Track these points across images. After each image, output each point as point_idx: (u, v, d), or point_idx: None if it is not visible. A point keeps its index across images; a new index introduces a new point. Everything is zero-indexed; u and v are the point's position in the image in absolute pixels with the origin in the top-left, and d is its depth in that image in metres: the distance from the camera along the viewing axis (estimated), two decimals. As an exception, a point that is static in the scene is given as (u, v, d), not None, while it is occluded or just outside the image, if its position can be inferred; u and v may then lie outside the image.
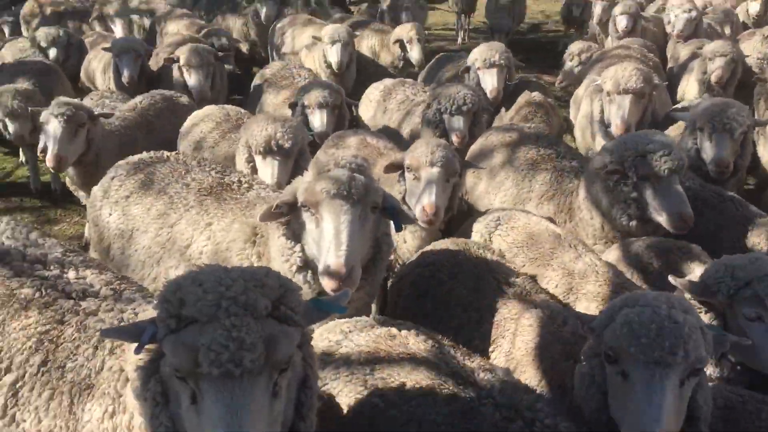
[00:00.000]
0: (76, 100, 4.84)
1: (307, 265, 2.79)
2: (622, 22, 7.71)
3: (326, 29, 6.80)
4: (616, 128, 4.84)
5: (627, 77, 4.83)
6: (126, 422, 2.00)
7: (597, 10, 8.63)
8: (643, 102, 4.90)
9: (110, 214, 3.47)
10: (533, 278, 3.18)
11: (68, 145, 4.47)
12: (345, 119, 5.35)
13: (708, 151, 4.32)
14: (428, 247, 3.48)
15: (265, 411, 1.72)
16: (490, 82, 5.74)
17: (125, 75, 6.21)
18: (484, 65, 5.75)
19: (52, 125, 4.45)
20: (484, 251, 3.30)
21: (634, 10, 7.79)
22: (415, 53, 7.49)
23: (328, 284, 2.61)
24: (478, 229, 3.66)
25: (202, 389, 1.70)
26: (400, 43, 7.58)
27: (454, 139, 4.72)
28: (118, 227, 3.42)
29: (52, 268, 2.42)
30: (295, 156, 4.07)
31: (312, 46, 7.19)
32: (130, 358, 1.93)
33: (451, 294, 3.12)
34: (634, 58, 6.17)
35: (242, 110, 5.19)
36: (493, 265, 3.16)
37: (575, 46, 7.47)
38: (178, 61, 6.03)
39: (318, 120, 5.06)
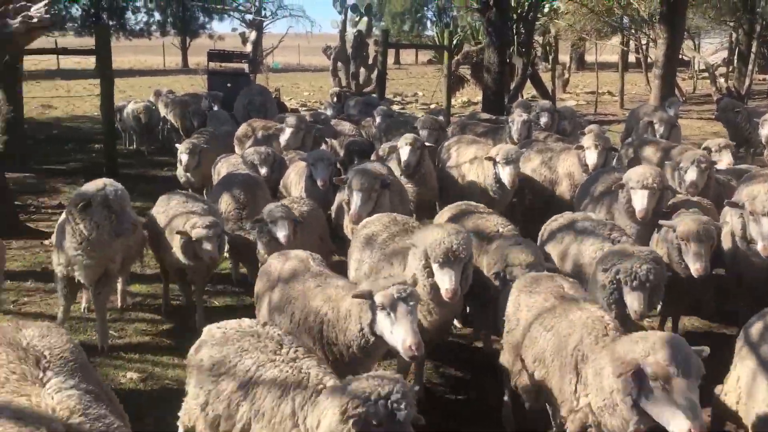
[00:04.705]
0: None
1: None
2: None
3: (502, 149, 7.51)
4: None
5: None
6: None
7: (764, 131, 8.64)
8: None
9: None
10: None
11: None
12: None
13: None
14: None
15: None
16: (639, 202, 5.93)
17: (320, 180, 7.28)
18: (638, 186, 5.95)
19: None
20: None
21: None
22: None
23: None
24: None
25: None
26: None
27: (633, 315, 4.47)
28: None
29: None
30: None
31: (478, 162, 8.00)
32: None
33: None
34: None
35: (407, 217, 5.86)
36: None
37: None
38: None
39: None
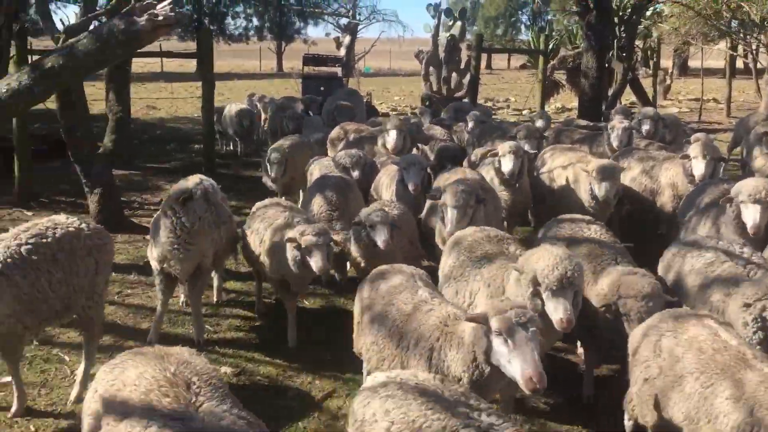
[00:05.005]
0: None
1: None
2: None
3: (598, 164, 7.20)
4: None
5: None
6: None
7: None
8: None
9: None
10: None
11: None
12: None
13: None
14: None
15: None
16: (751, 217, 5.60)
17: (411, 185, 7.25)
18: (749, 199, 5.63)
19: None
20: None
21: None
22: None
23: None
24: None
25: None
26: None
27: None
28: None
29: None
30: None
31: (572, 170, 7.76)
32: None
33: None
34: None
35: (501, 232, 5.55)
36: None
37: None
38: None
39: None
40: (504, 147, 7.61)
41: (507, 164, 7.48)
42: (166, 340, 5.87)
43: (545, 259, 4.18)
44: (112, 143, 12.39)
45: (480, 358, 3.58)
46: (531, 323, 3.42)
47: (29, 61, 6.04)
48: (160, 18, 1.49)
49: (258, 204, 6.66)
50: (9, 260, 4.46)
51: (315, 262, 5.39)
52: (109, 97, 12.55)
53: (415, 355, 3.95)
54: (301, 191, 9.39)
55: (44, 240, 4.66)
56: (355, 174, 8.37)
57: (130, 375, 3.11)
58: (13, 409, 4.74)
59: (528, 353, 3.34)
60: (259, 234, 6.15)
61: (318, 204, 7.00)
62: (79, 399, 4.90)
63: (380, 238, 5.75)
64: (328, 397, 5.17)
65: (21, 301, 4.46)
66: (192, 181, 5.56)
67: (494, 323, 3.46)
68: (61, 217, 4.96)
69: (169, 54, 16.26)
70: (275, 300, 6.81)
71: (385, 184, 8.01)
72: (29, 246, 4.57)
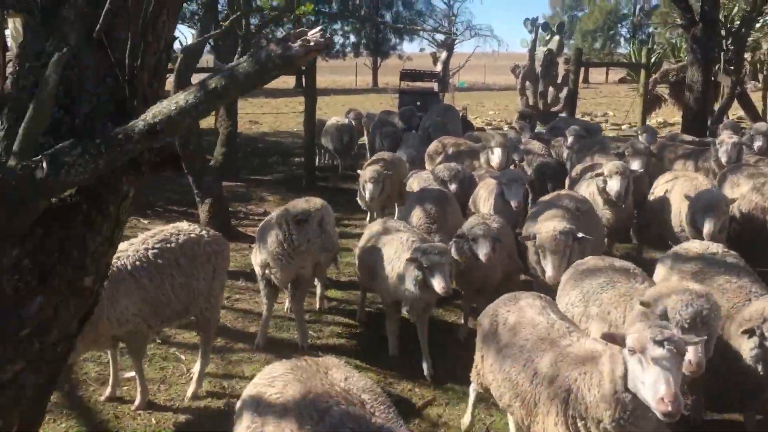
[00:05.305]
0: None
1: None
2: None
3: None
4: None
5: None
6: None
7: None
8: None
9: None
10: None
11: None
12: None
13: None
14: None
15: None
16: None
17: (514, 202, 7.28)
18: None
19: None
20: None
21: None
22: None
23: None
24: None
25: None
26: None
27: None
28: None
29: None
30: None
31: (677, 187, 7.60)
32: None
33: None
34: None
35: (627, 264, 5.18)
36: None
37: None
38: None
39: None
40: (610, 167, 7.46)
41: (614, 186, 7.35)
42: (273, 344, 6.18)
43: (678, 295, 3.95)
44: (222, 156, 13.02)
45: (619, 385, 3.22)
46: (670, 342, 3.07)
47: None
48: (312, 43, 1.65)
49: (371, 225, 6.77)
50: (137, 263, 4.85)
51: (437, 283, 5.20)
52: (220, 112, 13.22)
53: (549, 395, 3.61)
54: (396, 207, 9.54)
55: (169, 245, 5.03)
56: (453, 187, 8.49)
57: (295, 389, 2.98)
58: (137, 402, 5.12)
59: (663, 373, 3.02)
60: (374, 255, 6.07)
61: (417, 216, 7.16)
62: (195, 396, 5.25)
63: (482, 251, 5.83)
64: (427, 405, 5.28)
65: (147, 301, 4.84)
66: (312, 204, 5.85)
67: (629, 341, 3.16)
68: (183, 225, 5.35)
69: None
70: (377, 310, 6.99)
71: (483, 198, 8.08)
72: (155, 250, 4.95)
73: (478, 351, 4.47)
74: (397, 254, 5.78)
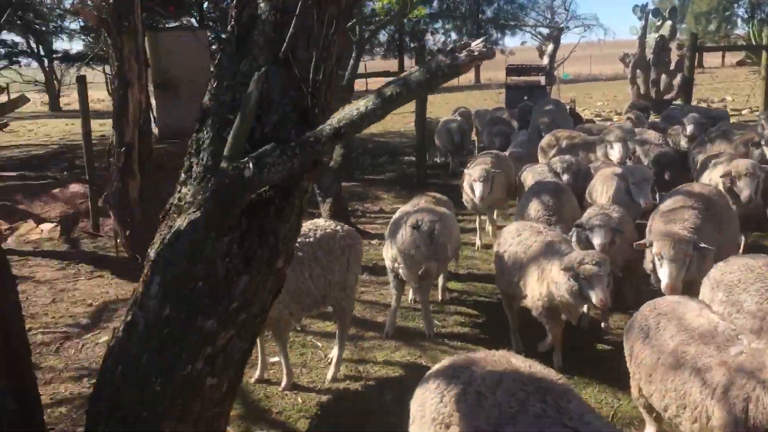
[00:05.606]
0: None
1: None
2: None
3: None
4: None
5: None
6: None
7: None
8: None
9: None
10: None
11: None
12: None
13: None
14: None
15: None
16: None
17: (643, 201, 7.22)
18: None
19: None
20: None
21: None
22: None
23: None
24: None
25: None
26: None
27: None
28: None
29: None
30: None
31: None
32: None
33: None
34: None
35: None
36: None
37: None
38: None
39: None
40: (740, 168, 7.13)
41: (744, 189, 7.07)
42: (400, 332, 6.54)
43: None
44: (341, 158, 13.58)
45: None
46: None
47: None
48: (476, 53, 1.89)
49: (507, 229, 6.51)
50: (281, 256, 5.32)
51: (595, 294, 4.91)
52: (335, 115, 13.79)
53: (724, 405, 3.36)
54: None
55: (307, 240, 5.48)
56: (565, 177, 8.56)
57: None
58: (283, 383, 5.60)
59: None
60: (515, 260, 5.87)
61: (535, 208, 7.31)
62: (335, 378, 5.68)
63: (597, 241, 5.91)
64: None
65: (288, 291, 5.29)
66: (432, 214, 6.19)
67: None
68: (320, 221, 5.80)
69: (386, 73, 17.29)
70: (497, 299, 7.21)
71: (599, 190, 8.10)
72: (296, 244, 5.41)
73: (632, 362, 4.18)
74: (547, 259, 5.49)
